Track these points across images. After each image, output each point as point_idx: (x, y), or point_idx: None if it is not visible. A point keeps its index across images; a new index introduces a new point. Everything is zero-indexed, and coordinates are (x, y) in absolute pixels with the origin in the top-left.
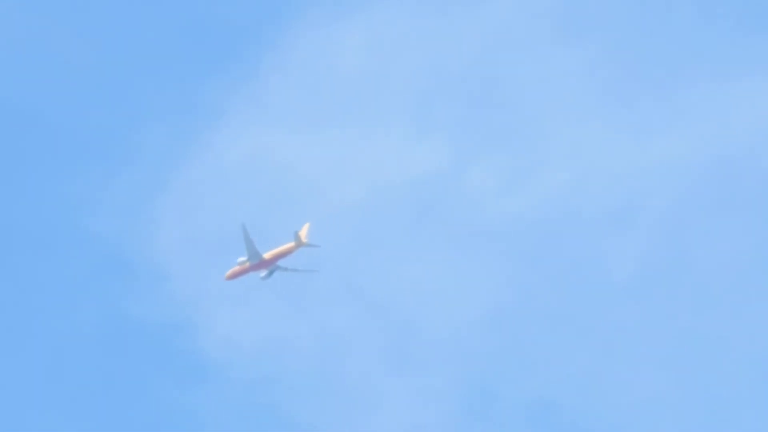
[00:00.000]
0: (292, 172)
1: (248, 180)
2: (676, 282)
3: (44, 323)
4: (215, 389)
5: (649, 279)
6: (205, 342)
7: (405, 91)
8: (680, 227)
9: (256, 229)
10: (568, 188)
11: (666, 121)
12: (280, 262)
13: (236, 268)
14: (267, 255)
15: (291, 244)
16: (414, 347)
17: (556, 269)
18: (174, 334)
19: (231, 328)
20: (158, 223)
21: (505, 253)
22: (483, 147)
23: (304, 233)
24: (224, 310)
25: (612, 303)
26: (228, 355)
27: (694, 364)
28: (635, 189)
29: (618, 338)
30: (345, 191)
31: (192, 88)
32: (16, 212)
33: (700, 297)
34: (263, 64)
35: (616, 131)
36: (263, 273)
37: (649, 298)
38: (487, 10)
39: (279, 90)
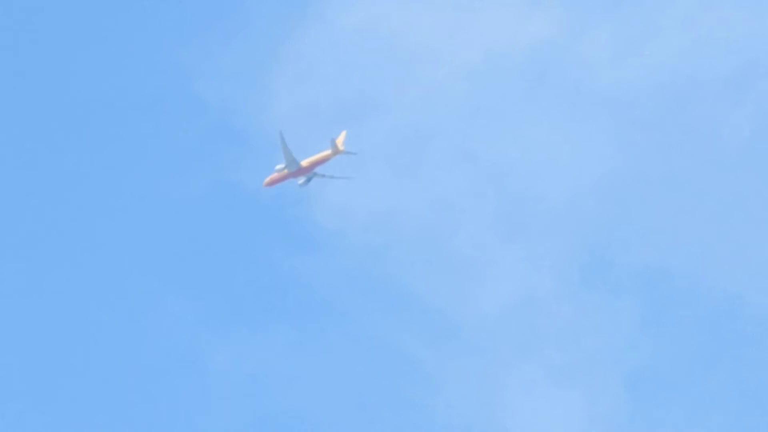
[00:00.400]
0: (405, 39)
1: (361, 48)
2: None
3: (157, 191)
4: (327, 258)
5: (763, 145)
6: (318, 211)
7: None
8: None
9: (367, 97)
10: (682, 55)
11: None
12: (318, 170)
13: (275, 175)
14: (304, 162)
15: (328, 152)
16: (528, 215)
17: (670, 136)
18: (287, 203)
19: (344, 196)
20: (271, 92)
21: (618, 121)
22: (597, 14)
23: (341, 141)
24: (338, 179)
25: (726, 169)
26: (341, 223)
27: None
28: (750, 55)
29: (732, 205)
30: (458, 58)
31: None
32: (130, 80)
33: None
34: None
35: None
36: (301, 180)
37: (763, 164)
38: None
39: None
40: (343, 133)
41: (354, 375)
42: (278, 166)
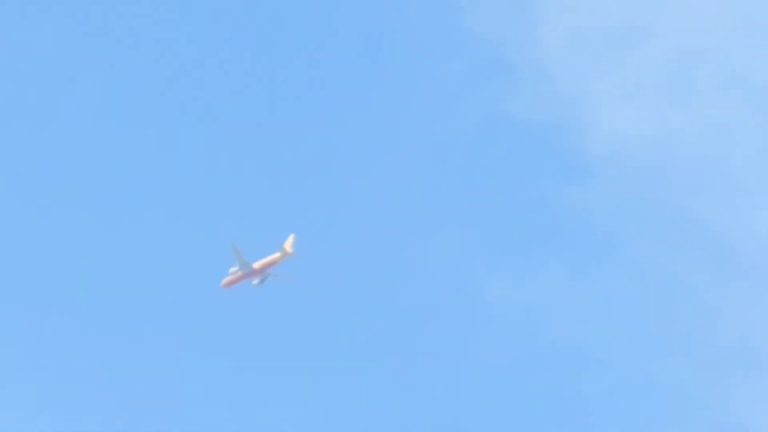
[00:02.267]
0: None
1: None
2: None
3: (426, 125)
4: (600, 186)
5: None
6: (590, 139)
7: None
8: None
9: (634, 24)
10: None
11: None
12: (270, 270)
13: (230, 277)
14: (256, 264)
15: (277, 255)
16: None
17: None
18: (558, 132)
19: (615, 122)
20: (539, 23)
21: None
22: None
23: (289, 244)
24: (608, 106)
25: None
26: (613, 150)
27: None
28: None
29: None
30: None
31: None
32: (400, 18)
33: None
34: None
35: None
36: (256, 280)
37: None
38: None
39: None
40: (291, 236)
41: (629, 305)
42: (232, 269)
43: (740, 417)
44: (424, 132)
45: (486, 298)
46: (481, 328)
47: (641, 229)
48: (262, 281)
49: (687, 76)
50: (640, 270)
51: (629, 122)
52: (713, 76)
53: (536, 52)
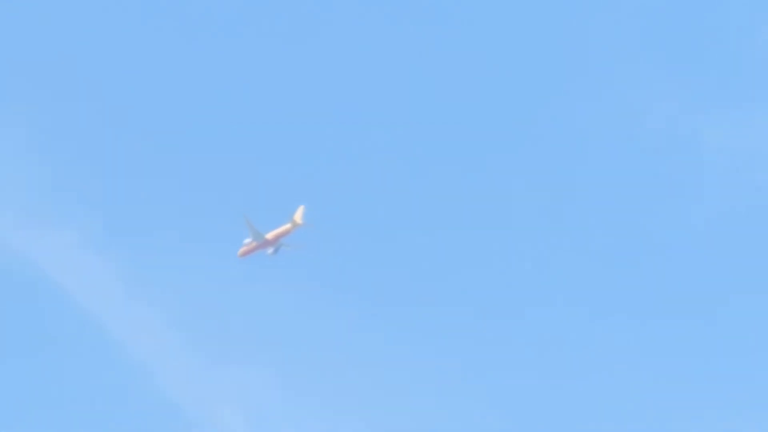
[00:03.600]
0: None
1: None
2: None
3: None
4: None
5: None
6: None
7: None
8: None
9: None
10: None
11: None
12: (283, 240)
13: (245, 248)
14: (269, 235)
15: (288, 226)
16: None
17: None
18: None
19: None
20: None
21: None
22: None
23: (299, 215)
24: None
25: None
26: None
27: None
28: None
29: None
30: None
31: None
32: None
33: None
34: None
35: None
36: (270, 250)
37: None
38: None
39: None
40: (301, 208)
41: None
42: (246, 240)
43: None
44: None
45: (704, 146)
46: (700, 176)
47: None
48: (276, 250)
49: None
50: None
51: None
52: None
53: None
